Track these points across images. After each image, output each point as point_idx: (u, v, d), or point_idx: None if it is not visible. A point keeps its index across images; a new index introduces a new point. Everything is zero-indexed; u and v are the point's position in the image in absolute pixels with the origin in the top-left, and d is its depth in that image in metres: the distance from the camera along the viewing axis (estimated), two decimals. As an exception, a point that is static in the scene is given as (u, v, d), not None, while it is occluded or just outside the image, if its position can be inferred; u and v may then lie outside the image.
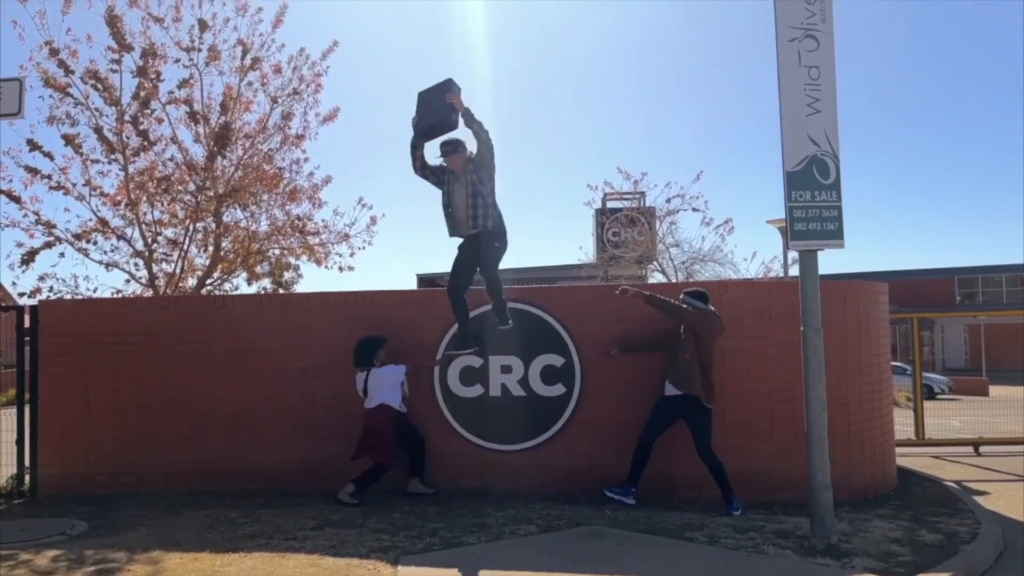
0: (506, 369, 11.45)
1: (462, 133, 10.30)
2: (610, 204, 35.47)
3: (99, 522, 10.12)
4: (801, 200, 8.90)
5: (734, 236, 53.73)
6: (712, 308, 10.82)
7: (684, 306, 10.72)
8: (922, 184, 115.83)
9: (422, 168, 10.57)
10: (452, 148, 10.43)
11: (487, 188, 10.24)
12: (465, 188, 10.28)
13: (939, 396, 36.16)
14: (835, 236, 8.98)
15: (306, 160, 19.15)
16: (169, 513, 10.44)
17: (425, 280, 50.47)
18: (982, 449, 16.30)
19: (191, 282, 18.40)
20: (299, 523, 9.76)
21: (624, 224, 31.96)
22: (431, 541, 8.93)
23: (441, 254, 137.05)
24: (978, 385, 39.18)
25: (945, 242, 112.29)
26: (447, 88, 10.17)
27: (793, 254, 17.97)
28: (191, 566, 8.04)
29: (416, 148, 10.52)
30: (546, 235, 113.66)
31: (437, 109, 10.22)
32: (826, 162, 8.95)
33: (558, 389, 11.48)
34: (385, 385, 11.10)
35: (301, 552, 8.48)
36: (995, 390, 37.06)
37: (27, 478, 12.14)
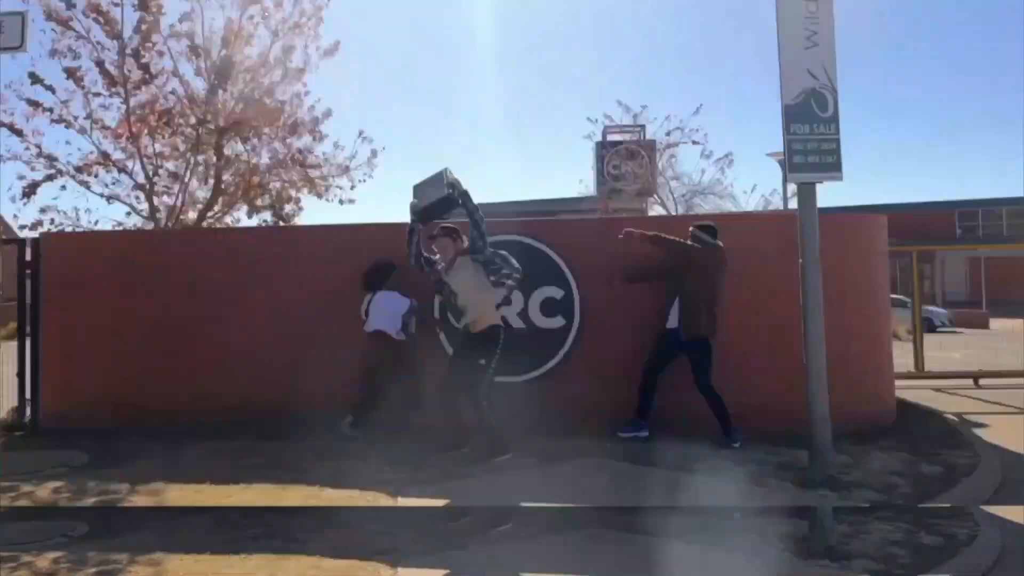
0: (505, 302, 11.37)
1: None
2: (610, 137, 35.31)
3: (102, 453, 10.22)
4: (800, 133, 8.89)
5: (734, 169, 53.75)
6: (719, 243, 10.81)
7: (689, 243, 10.69)
8: (923, 116, 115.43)
9: (417, 256, 10.31)
10: (445, 232, 10.38)
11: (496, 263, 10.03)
12: (467, 269, 10.05)
13: (939, 329, 36.22)
14: (833, 168, 8.99)
15: (307, 94, 18.99)
16: (174, 445, 10.51)
17: (427, 214, 50.26)
18: (982, 382, 16.35)
19: (192, 215, 18.39)
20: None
21: (624, 157, 31.89)
22: (432, 473, 9.00)
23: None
24: (979, 318, 39.26)
25: (946, 175, 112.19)
26: (442, 175, 10.11)
27: (792, 187, 17.97)
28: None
29: (413, 232, 10.26)
30: (547, 168, 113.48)
31: (435, 190, 10.11)
32: (824, 95, 8.93)
33: (558, 321, 11.52)
34: (388, 312, 11.11)
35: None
36: (996, 322, 37.12)
37: (28, 411, 12.21)
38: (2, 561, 8.11)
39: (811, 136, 8.90)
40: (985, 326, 36.74)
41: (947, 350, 22.93)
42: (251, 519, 7.97)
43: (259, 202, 18.81)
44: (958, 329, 36.50)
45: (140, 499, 8.08)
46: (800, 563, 6.65)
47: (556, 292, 11.53)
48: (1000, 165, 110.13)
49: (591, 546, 7.13)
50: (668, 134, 29.68)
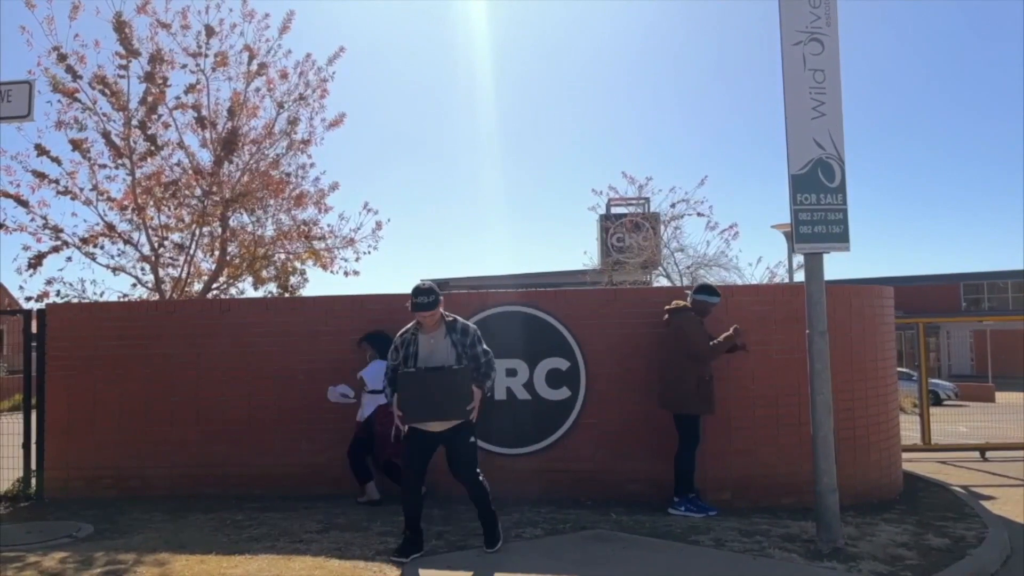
0: (511, 373, 11.43)
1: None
2: (614, 209, 35.15)
3: (105, 525, 10.16)
4: (807, 203, 8.91)
5: (739, 241, 53.64)
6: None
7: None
8: (927, 191, 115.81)
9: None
10: (429, 303, 8.41)
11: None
12: (447, 340, 8.60)
13: (945, 403, 36.11)
14: (840, 239, 8.99)
15: (312, 165, 19.18)
16: (175, 516, 10.48)
17: (430, 286, 50.20)
18: (989, 454, 16.28)
19: (197, 286, 18.38)
20: (304, 526, 9.77)
21: (629, 229, 31.69)
22: (436, 544, 8.93)
23: (446, 258, 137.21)
24: (984, 391, 39.14)
25: (950, 249, 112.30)
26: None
27: (798, 258, 17.95)
28: (197, 568, 8.05)
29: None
30: (550, 240, 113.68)
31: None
32: (831, 165, 8.96)
33: (563, 392, 11.48)
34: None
35: (307, 554, 8.48)
36: (1001, 396, 36.99)
37: (33, 481, 12.16)
38: (8, 561, 8.07)
39: (818, 206, 8.91)
40: (991, 399, 36.54)
41: (953, 423, 22.86)
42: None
43: (264, 274, 18.80)
44: (963, 403, 36.36)
45: (145, 569, 8.02)
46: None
47: (561, 363, 11.51)
48: (1004, 239, 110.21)
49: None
50: (673, 206, 29.31)
